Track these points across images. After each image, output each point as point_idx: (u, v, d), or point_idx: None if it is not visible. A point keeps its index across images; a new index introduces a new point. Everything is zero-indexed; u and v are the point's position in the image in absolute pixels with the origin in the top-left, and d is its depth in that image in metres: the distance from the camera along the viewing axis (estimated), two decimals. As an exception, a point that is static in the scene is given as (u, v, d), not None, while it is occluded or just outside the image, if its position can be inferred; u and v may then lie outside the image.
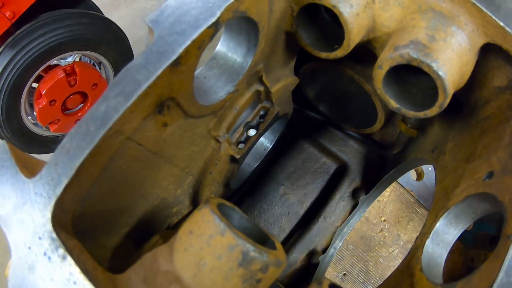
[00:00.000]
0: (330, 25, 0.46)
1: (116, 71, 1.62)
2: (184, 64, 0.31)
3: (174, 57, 0.29)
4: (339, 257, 0.77)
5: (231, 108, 0.48)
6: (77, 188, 0.28)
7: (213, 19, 0.31)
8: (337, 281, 0.76)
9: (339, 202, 0.76)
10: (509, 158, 0.36)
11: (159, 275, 0.29)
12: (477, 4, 0.35)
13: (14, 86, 1.32)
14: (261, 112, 0.55)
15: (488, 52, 0.39)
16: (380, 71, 0.39)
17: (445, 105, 0.38)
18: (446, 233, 0.43)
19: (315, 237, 0.74)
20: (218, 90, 0.42)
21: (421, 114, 0.41)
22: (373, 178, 0.73)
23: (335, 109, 0.75)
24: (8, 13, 1.22)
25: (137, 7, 2.45)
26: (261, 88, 0.51)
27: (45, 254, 0.25)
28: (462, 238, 0.81)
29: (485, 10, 0.35)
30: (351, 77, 0.55)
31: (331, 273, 0.77)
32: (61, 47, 1.35)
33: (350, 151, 0.80)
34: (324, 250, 0.72)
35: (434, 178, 0.54)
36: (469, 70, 0.38)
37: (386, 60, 0.38)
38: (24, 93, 1.38)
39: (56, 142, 1.54)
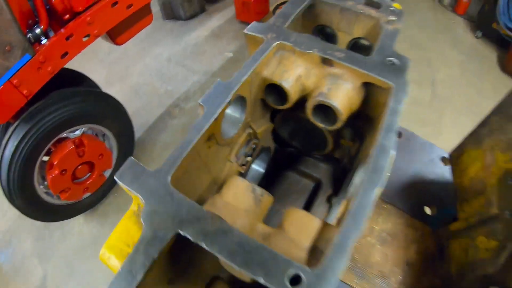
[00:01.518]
0: (281, 92, 0.81)
1: (119, 141, 1.88)
2: (218, 120, 0.65)
3: (214, 118, 0.63)
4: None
5: (236, 143, 0.82)
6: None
7: (228, 100, 0.65)
8: None
9: (318, 207, 1.06)
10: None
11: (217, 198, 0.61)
12: (352, 66, 0.71)
13: (29, 157, 1.48)
14: (253, 146, 0.90)
15: (370, 85, 0.75)
16: (309, 109, 0.78)
17: (343, 119, 0.74)
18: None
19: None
20: (229, 132, 0.76)
21: (335, 127, 0.77)
22: (339, 184, 1.03)
23: (304, 142, 1.08)
24: (24, 91, 1.38)
25: (129, 82, 2.81)
26: (251, 131, 0.86)
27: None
28: (429, 223, 1.09)
29: (356, 68, 0.71)
30: (306, 118, 0.89)
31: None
32: (71, 121, 1.57)
33: (321, 170, 1.13)
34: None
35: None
36: (356, 99, 0.76)
37: (310, 104, 0.76)
38: (37, 163, 1.55)
39: (66, 210, 1.73)
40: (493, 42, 4.56)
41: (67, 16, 1.43)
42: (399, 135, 1.26)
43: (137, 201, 0.62)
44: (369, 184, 0.55)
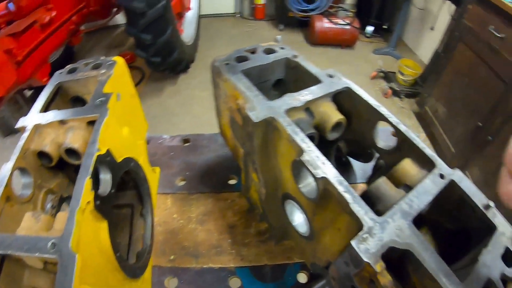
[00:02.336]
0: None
1: None
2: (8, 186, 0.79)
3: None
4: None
5: (38, 199, 0.98)
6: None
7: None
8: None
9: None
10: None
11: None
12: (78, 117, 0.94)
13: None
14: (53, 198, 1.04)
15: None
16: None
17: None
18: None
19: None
20: (24, 194, 0.92)
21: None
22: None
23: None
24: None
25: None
26: (46, 189, 1.00)
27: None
28: (236, 190, 1.33)
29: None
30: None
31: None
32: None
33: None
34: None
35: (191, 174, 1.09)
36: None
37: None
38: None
39: None
40: (296, 27, 5.46)
41: None
42: (188, 141, 1.54)
43: None
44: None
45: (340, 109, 0.96)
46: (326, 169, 0.69)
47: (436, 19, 5.16)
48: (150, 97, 4.50)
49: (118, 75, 1.16)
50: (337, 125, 0.93)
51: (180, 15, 4.74)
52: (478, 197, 0.71)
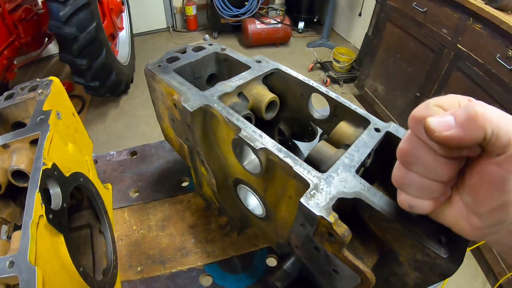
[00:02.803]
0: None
1: None
2: None
3: None
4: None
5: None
6: None
7: None
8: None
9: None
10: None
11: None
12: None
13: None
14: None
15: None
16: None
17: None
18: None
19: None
20: None
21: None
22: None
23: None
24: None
25: None
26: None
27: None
28: (189, 190, 1.35)
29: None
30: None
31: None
32: None
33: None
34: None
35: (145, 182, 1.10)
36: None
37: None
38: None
39: None
40: (230, 33, 5.59)
41: None
42: (135, 153, 1.55)
43: None
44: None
45: (272, 90, 1.04)
46: (264, 140, 0.76)
47: (362, 6, 5.54)
48: (95, 123, 4.35)
49: (55, 93, 1.15)
50: (271, 104, 1.01)
51: (113, 36, 4.66)
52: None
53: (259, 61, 1.07)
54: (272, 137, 0.75)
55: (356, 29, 6.00)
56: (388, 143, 0.77)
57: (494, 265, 2.83)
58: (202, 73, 1.17)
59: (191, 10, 5.96)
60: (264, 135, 0.77)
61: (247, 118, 0.92)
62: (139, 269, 1.17)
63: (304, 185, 0.66)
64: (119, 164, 1.54)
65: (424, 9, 3.31)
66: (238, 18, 5.62)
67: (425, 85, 3.46)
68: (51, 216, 0.80)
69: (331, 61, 5.27)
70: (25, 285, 0.66)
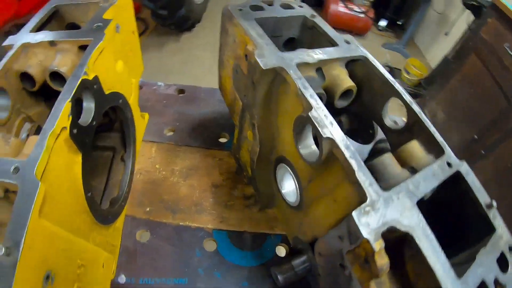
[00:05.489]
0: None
1: None
2: None
3: None
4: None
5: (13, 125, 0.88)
6: None
7: None
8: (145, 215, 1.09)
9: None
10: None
11: None
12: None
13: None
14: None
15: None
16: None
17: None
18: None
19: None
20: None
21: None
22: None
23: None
24: None
25: None
26: (24, 115, 0.90)
27: None
28: (226, 148, 1.24)
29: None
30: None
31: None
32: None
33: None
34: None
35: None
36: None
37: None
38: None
39: None
40: (312, 4, 5.26)
41: None
42: (183, 91, 1.44)
43: None
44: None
45: (352, 77, 0.87)
46: (334, 131, 0.62)
47: (452, 26, 5.04)
48: (151, 51, 4.29)
49: (122, 5, 1.04)
50: (347, 92, 0.84)
51: (194, -28, 4.50)
52: (482, 195, 0.67)
53: (348, 42, 0.90)
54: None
55: (437, 47, 5.50)
56: (454, 182, 0.67)
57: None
58: (282, 33, 1.01)
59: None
60: (335, 123, 0.63)
61: (319, 97, 0.79)
62: (148, 209, 1.09)
63: (359, 196, 0.56)
64: (164, 97, 1.44)
65: (514, 54, 2.92)
66: (323, -6, 5.26)
67: (486, 130, 3.13)
68: (75, 131, 0.70)
69: (401, 70, 4.89)
70: (23, 197, 0.56)
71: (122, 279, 0.94)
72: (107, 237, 0.89)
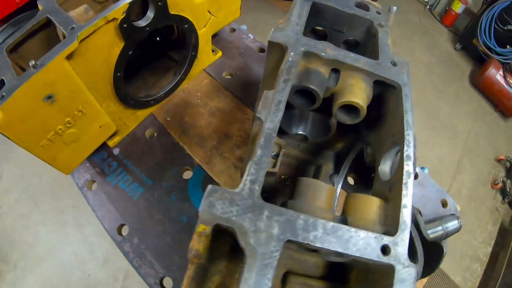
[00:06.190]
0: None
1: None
2: None
3: None
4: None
5: None
6: None
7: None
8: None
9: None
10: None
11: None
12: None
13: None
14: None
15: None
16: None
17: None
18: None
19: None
20: None
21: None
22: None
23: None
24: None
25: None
26: None
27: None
28: None
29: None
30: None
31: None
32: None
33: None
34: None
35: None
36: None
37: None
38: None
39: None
40: (472, 57, 4.57)
41: None
42: (263, 51, 1.52)
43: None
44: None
45: (376, 104, 0.80)
46: (273, 116, 0.63)
47: None
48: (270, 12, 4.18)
49: None
50: (354, 110, 0.76)
51: None
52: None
53: (394, 64, 0.79)
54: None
55: None
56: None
57: None
58: (343, 30, 0.95)
59: (458, 6, 4.91)
60: (281, 111, 0.64)
61: (311, 95, 0.75)
62: (168, 119, 1.29)
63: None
64: (245, 47, 1.55)
65: None
66: (489, 53, 4.45)
67: None
68: (125, 25, 0.89)
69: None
70: (64, 42, 0.81)
71: (117, 151, 1.19)
72: (122, 114, 1.13)
